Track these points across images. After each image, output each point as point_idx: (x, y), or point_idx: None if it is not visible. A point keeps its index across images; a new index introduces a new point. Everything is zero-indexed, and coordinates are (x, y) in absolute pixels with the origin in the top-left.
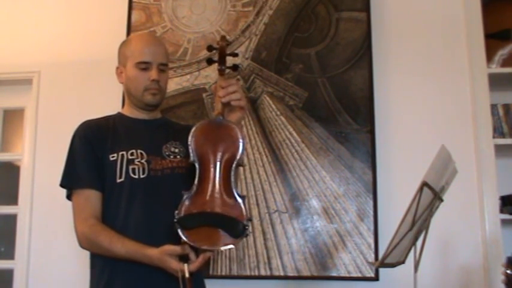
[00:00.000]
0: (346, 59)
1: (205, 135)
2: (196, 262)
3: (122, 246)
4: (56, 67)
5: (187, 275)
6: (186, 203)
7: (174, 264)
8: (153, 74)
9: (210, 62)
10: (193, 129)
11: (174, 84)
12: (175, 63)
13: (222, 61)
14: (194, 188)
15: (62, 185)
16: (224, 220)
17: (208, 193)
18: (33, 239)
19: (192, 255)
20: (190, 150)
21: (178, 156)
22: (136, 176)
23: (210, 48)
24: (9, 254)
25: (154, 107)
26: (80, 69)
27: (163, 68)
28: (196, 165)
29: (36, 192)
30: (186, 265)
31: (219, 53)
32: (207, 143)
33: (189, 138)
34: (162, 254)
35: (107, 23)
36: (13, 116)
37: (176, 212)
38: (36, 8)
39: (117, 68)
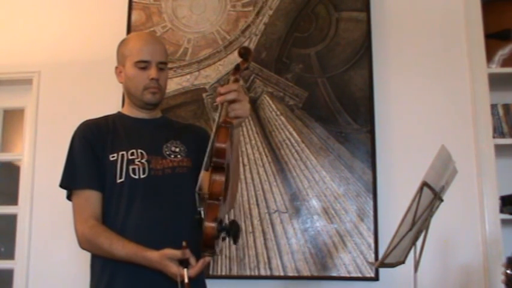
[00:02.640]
0: (346, 59)
1: (226, 142)
2: (196, 267)
3: (122, 248)
4: (56, 67)
5: (186, 280)
6: (222, 210)
7: (173, 269)
8: (152, 72)
9: (237, 68)
10: (215, 137)
11: (174, 84)
12: (175, 63)
13: (241, 72)
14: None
15: (61, 186)
16: (239, 228)
17: (226, 201)
18: (33, 239)
19: (192, 260)
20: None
21: (179, 156)
22: (136, 176)
23: (244, 57)
24: (9, 254)
25: (154, 105)
26: (80, 69)
27: (162, 66)
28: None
29: (36, 192)
30: (185, 270)
31: (246, 66)
32: (228, 151)
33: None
34: (162, 258)
35: (107, 23)
36: (13, 116)
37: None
38: (36, 8)
39: (116, 67)
